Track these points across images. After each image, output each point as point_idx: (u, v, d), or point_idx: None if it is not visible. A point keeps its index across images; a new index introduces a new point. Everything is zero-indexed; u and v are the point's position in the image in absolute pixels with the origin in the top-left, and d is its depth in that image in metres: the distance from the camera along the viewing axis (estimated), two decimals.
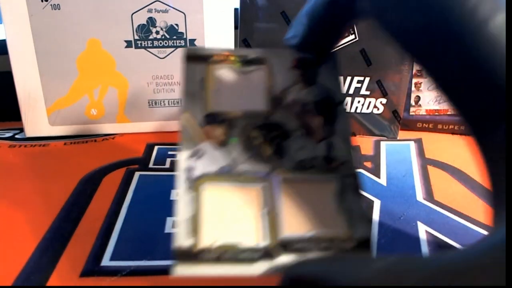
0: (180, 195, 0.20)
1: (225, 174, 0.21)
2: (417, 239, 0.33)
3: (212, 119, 0.23)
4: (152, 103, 0.51)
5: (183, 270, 0.18)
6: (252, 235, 0.20)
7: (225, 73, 0.24)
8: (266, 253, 0.19)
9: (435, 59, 0.16)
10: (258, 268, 0.19)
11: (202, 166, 0.21)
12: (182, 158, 0.22)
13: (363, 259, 0.17)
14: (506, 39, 0.15)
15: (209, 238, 0.19)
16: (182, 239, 0.19)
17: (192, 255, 0.19)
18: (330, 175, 0.22)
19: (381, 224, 0.34)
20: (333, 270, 0.17)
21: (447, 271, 0.14)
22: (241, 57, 0.25)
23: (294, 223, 0.20)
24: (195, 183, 0.21)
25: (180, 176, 0.21)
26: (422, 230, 0.34)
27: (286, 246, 0.19)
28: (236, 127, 0.23)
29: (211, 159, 0.22)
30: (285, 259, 0.19)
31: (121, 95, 0.50)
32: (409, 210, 0.37)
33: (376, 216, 0.35)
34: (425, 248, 0.32)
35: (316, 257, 0.19)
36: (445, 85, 0.17)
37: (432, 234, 0.34)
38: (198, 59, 0.24)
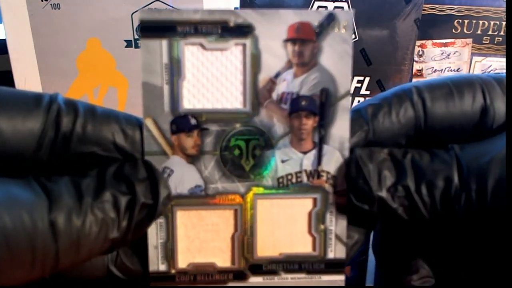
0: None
1: (196, 196, 0.19)
2: None
3: (181, 126, 0.19)
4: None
5: None
6: (226, 256, 0.20)
7: (196, 52, 0.19)
8: (239, 275, 0.20)
9: None
10: None
11: (171, 187, 0.19)
12: None
13: None
14: (506, 38, 0.15)
15: (183, 261, 0.20)
16: (156, 264, 0.19)
17: (167, 278, 0.19)
18: (313, 192, 0.20)
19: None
20: None
21: None
22: (217, 24, 0.18)
23: (267, 245, 0.20)
24: (165, 208, 0.19)
25: None
26: None
27: (257, 267, 0.20)
28: (210, 135, 0.19)
29: (180, 178, 0.19)
30: (256, 280, 0.20)
31: (121, 94, 0.50)
32: None
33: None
34: None
35: None
36: None
37: None
38: (158, 31, 0.18)
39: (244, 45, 0.19)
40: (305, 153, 0.19)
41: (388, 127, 0.19)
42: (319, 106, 0.19)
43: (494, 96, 0.19)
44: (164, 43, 0.18)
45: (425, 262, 0.21)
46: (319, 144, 0.19)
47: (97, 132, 0.18)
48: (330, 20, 0.19)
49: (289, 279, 0.20)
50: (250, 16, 0.18)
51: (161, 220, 0.19)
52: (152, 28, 0.18)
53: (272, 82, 0.19)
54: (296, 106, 0.19)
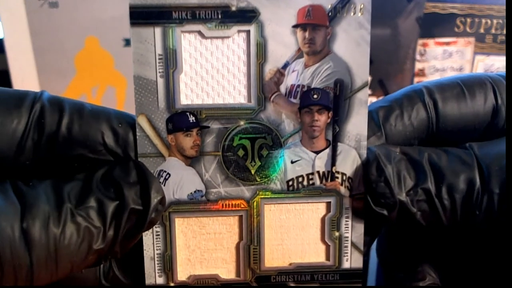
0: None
1: (196, 202, 0.17)
2: None
3: (178, 124, 0.17)
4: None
5: None
6: (230, 267, 0.18)
7: (193, 41, 0.17)
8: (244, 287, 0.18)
9: None
10: None
11: (168, 192, 0.17)
12: None
13: None
14: (506, 39, 0.14)
15: (183, 273, 0.18)
16: (153, 277, 0.18)
17: None
18: (327, 196, 0.18)
19: None
20: None
21: None
22: (218, 8, 0.16)
23: (275, 254, 0.18)
24: (158, 215, 0.17)
25: None
26: None
27: (265, 279, 0.18)
28: (210, 134, 0.17)
29: (178, 183, 0.17)
30: None
31: (120, 93, 0.50)
32: None
33: None
34: None
35: None
36: None
37: None
38: (151, 18, 0.16)
39: (247, 32, 0.17)
40: (317, 152, 0.18)
41: (401, 130, 0.18)
42: (333, 100, 0.17)
43: (505, 95, 0.18)
44: (158, 31, 0.16)
45: (432, 268, 0.20)
46: (333, 142, 0.18)
47: (84, 132, 0.16)
48: (345, 2, 0.17)
49: None
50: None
51: (158, 229, 0.17)
52: (144, 14, 0.16)
53: (280, 73, 0.17)
54: (307, 100, 0.17)
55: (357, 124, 0.17)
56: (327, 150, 0.18)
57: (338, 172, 0.18)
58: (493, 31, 0.53)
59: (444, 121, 0.18)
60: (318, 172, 0.18)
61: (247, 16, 0.16)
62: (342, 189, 0.18)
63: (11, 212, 0.14)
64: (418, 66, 0.52)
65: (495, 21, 0.52)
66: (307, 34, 0.17)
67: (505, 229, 0.16)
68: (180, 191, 0.17)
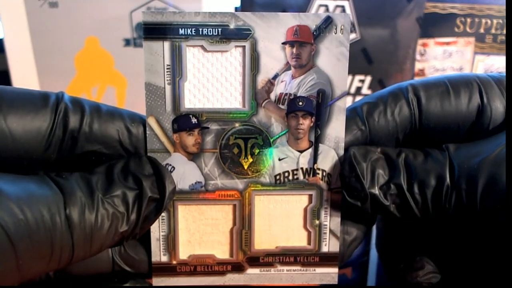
0: None
1: (196, 192, 0.20)
2: None
3: (182, 125, 0.20)
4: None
5: (161, 282, 0.21)
6: (225, 249, 0.21)
7: (197, 54, 0.19)
8: (237, 266, 0.21)
9: None
10: (229, 279, 0.21)
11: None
12: None
13: None
14: (506, 39, 0.15)
15: (184, 253, 0.21)
16: (158, 256, 0.21)
17: (169, 269, 0.21)
18: (309, 189, 0.20)
19: None
20: None
21: None
22: (218, 26, 0.19)
23: (264, 239, 0.21)
24: (170, 202, 0.20)
25: None
26: None
27: (254, 260, 0.21)
28: (210, 134, 0.20)
29: (181, 175, 0.20)
30: (253, 271, 0.21)
31: (120, 94, 0.50)
32: None
33: None
34: None
35: None
36: None
37: None
38: (160, 33, 0.19)
39: (243, 47, 0.19)
40: (301, 151, 0.20)
41: (384, 125, 0.20)
42: (316, 107, 0.20)
43: (492, 96, 0.19)
44: (166, 44, 0.19)
45: (430, 258, 0.21)
46: (315, 143, 0.20)
47: (103, 130, 0.18)
48: (327, 23, 0.19)
49: (285, 271, 0.21)
50: (249, 18, 0.19)
51: (163, 214, 0.20)
52: (154, 30, 0.19)
53: (271, 83, 0.20)
54: (293, 106, 0.20)
55: (336, 128, 0.20)
56: (310, 150, 0.20)
57: (319, 169, 0.20)
58: (493, 31, 0.53)
59: (427, 118, 0.19)
60: (301, 168, 0.20)
61: (243, 33, 0.19)
62: (322, 184, 0.20)
63: (56, 201, 0.16)
64: (418, 66, 0.52)
65: (495, 21, 0.52)
66: (294, 50, 0.19)
67: (488, 225, 0.17)
68: (183, 182, 0.20)
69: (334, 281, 0.21)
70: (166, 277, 0.21)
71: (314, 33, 0.19)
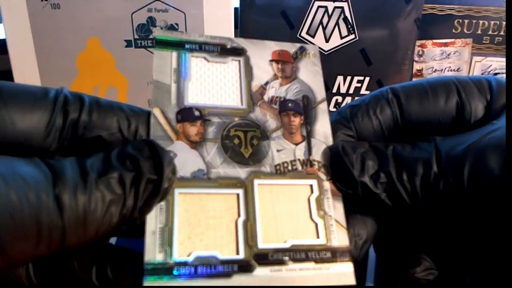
0: None
1: (198, 180, 0.20)
2: None
3: (186, 116, 0.21)
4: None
5: (155, 285, 0.17)
6: (229, 245, 0.19)
7: (200, 63, 0.23)
8: (244, 266, 0.19)
9: None
10: (236, 281, 0.18)
11: None
12: None
13: None
14: (506, 39, 0.15)
15: (183, 251, 0.18)
16: (153, 253, 0.18)
17: (165, 270, 0.18)
18: (309, 179, 0.21)
19: None
20: None
21: None
22: (217, 45, 0.23)
23: (271, 233, 0.20)
24: (171, 185, 0.19)
25: None
26: None
27: (262, 257, 0.19)
28: (212, 126, 0.21)
29: (183, 162, 0.20)
30: (262, 271, 0.19)
31: (121, 94, 0.50)
32: None
33: None
34: None
35: None
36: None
37: None
38: (169, 45, 0.22)
39: (239, 61, 0.23)
40: (296, 144, 0.22)
41: (368, 123, 0.21)
42: (303, 108, 0.23)
43: (469, 94, 0.20)
44: (174, 54, 0.22)
45: (426, 255, 0.21)
46: (307, 138, 0.22)
47: (103, 119, 0.19)
48: (302, 50, 0.24)
49: (297, 270, 0.19)
50: (242, 42, 0.24)
51: (162, 204, 0.19)
52: (165, 43, 0.22)
53: (263, 88, 0.23)
54: (284, 107, 0.23)
55: (323, 125, 0.23)
56: (304, 143, 0.22)
57: (315, 160, 0.22)
58: (490, 32, 0.53)
59: (408, 115, 0.21)
60: (299, 159, 0.22)
61: (238, 52, 0.23)
62: (320, 174, 0.21)
63: (44, 180, 0.16)
64: (416, 66, 0.52)
65: (492, 22, 0.53)
66: (279, 65, 0.24)
67: (477, 206, 0.18)
68: (185, 169, 0.20)
69: (352, 281, 0.19)
70: (162, 281, 0.17)
71: (293, 56, 0.24)
